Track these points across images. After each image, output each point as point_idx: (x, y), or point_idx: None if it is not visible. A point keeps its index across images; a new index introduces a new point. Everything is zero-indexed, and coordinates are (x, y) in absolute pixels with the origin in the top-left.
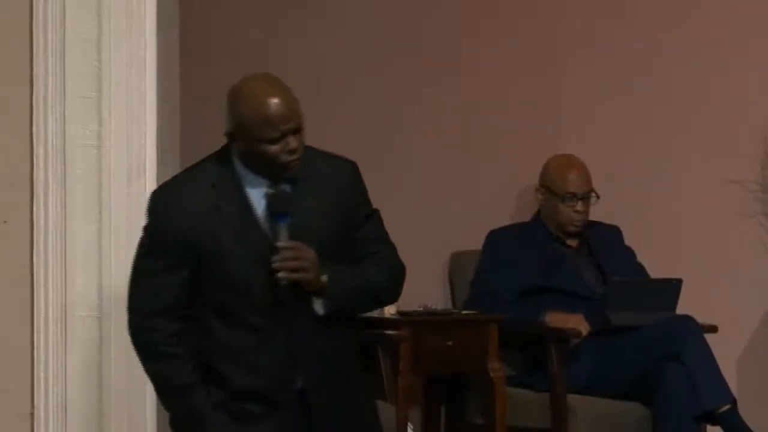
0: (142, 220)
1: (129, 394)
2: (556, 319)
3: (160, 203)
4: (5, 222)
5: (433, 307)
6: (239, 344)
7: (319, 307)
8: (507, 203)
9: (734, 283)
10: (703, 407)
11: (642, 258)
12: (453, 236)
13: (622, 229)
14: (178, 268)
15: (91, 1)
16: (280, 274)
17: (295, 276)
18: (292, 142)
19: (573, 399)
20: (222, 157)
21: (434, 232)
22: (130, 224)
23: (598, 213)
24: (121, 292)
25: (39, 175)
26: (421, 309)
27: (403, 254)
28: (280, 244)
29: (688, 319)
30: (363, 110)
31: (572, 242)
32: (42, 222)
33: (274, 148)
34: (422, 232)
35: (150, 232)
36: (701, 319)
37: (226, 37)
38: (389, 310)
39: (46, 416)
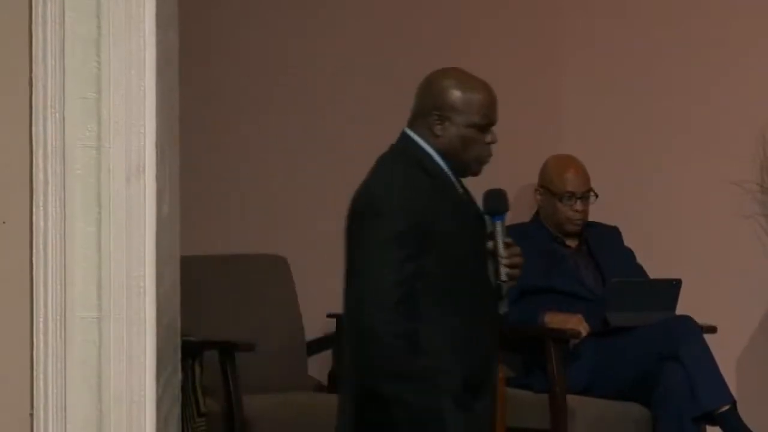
0: (141, 221)
1: (129, 396)
2: (555, 319)
3: (392, 198)
4: (4, 222)
5: None
6: (460, 333)
7: (504, 306)
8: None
9: (733, 283)
10: (703, 408)
11: (641, 258)
12: None
13: (621, 229)
14: (414, 257)
15: (91, 2)
16: (507, 270)
17: (516, 273)
18: (494, 137)
19: (572, 400)
20: (412, 147)
21: None
22: (129, 225)
23: (597, 213)
24: (120, 292)
25: (38, 176)
26: None
27: None
28: (507, 240)
29: (687, 320)
30: (361, 110)
31: (571, 242)
32: (41, 223)
33: (485, 138)
34: None
35: (387, 224)
36: (700, 319)
37: (226, 37)
38: None
39: (45, 417)
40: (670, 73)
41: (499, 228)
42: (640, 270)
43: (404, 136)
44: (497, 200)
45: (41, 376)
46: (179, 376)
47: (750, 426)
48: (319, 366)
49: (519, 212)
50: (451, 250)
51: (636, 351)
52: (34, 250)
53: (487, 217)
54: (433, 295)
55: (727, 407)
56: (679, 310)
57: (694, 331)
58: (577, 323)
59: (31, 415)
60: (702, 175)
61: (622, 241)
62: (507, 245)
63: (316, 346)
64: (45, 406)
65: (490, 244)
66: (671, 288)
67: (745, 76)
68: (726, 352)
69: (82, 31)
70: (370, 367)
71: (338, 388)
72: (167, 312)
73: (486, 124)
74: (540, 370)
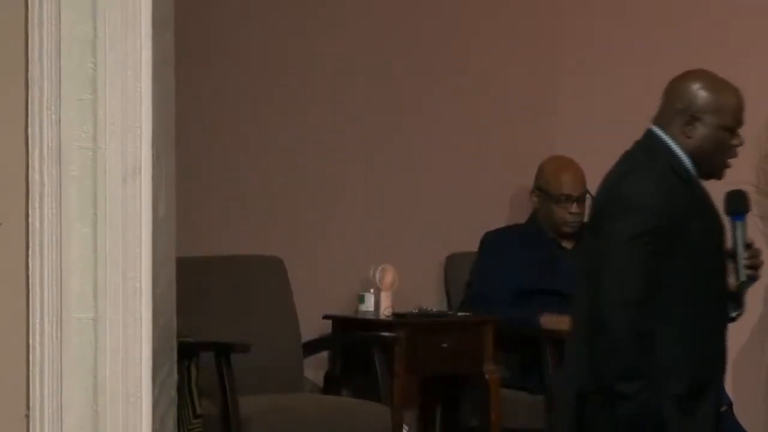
0: (137, 222)
1: (125, 397)
2: (551, 321)
3: (644, 196)
4: (0, 224)
5: (429, 308)
6: (698, 334)
7: (733, 310)
8: (502, 205)
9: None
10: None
11: None
12: (449, 238)
13: None
14: (661, 257)
15: (87, 3)
16: (749, 272)
17: (756, 274)
18: (741, 140)
19: None
20: (663, 147)
21: (430, 234)
22: (125, 226)
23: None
24: (116, 293)
25: (34, 177)
26: (417, 311)
27: (399, 256)
28: (748, 241)
29: None
30: (360, 111)
31: (567, 244)
32: (37, 224)
33: (733, 141)
34: (418, 234)
35: (636, 221)
36: None
37: (224, 38)
38: (385, 312)
39: (41, 418)
40: (666, 74)
41: (740, 228)
42: None
43: (652, 135)
44: (739, 201)
45: (37, 377)
46: (175, 377)
47: (745, 427)
48: (315, 367)
49: (515, 214)
50: (696, 252)
51: None
52: (30, 252)
53: (728, 218)
54: (674, 296)
55: (723, 408)
56: None
57: None
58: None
59: (27, 416)
60: None
61: None
62: (747, 246)
63: (312, 348)
64: (41, 407)
65: (730, 244)
66: None
67: (742, 77)
68: None
69: (78, 33)
70: (604, 362)
71: (555, 385)
72: (163, 313)
73: (736, 126)
74: (536, 371)
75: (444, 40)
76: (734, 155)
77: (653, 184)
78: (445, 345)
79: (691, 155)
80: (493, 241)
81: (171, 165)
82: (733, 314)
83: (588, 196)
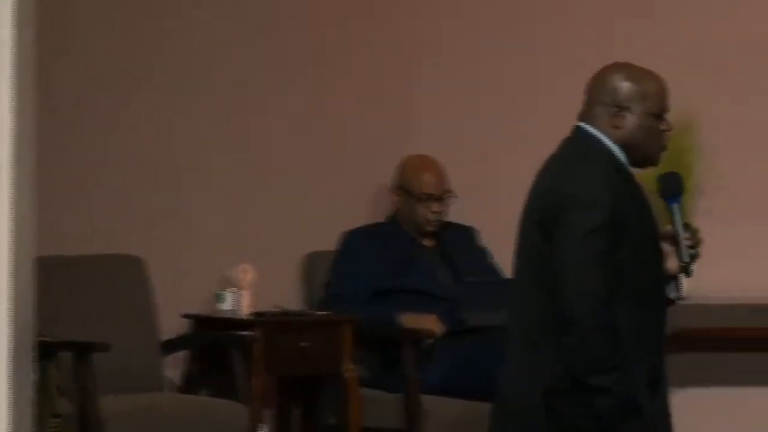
0: None
1: None
2: (410, 320)
3: (593, 192)
4: None
5: (288, 308)
6: (647, 324)
7: (674, 291)
8: (363, 203)
9: None
10: None
11: (501, 258)
12: (309, 237)
13: (478, 229)
14: (613, 251)
15: None
16: (691, 252)
17: (698, 253)
18: (669, 124)
19: (427, 400)
20: (594, 142)
21: (290, 233)
22: None
23: (454, 213)
24: None
25: None
26: (276, 310)
27: (259, 255)
28: (686, 222)
29: None
30: (218, 109)
31: (428, 243)
32: None
33: (661, 126)
34: (278, 233)
35: (591, 217)
36: None
37: (89, 35)
38: (244, 311)
39: None
40: (523, 71)
41: (677, 211)
42: (494, 269)
43: (582, 131)
44: (673, 183)
45: None
46: (33, 376)
47: None
48: (175, 366)
49: (375, 212)
50: (639, 241)
51: (491, 350)
52: None
53: (664, 201)
54: (628, 287)
55: None
56: None
57: None
58: (431, 323)
59: None
60: None
61: (477, 241)
62: (685, 226)
63: (171, 347)
64: None
65: (668, 228)
66: None
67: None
68: None
69: None
70: (576, 358)
71: (500, 389)
72: (22, 312)
73: (662, 111)
74: (395, 370)
75: (301, 38)
76: (665, 140)
77: (599, 179)
78: (303, 344)
79: (623, 146)
80: (352, 239)
81: (32, 163)
82: (673, 296)
83: (450, 195)
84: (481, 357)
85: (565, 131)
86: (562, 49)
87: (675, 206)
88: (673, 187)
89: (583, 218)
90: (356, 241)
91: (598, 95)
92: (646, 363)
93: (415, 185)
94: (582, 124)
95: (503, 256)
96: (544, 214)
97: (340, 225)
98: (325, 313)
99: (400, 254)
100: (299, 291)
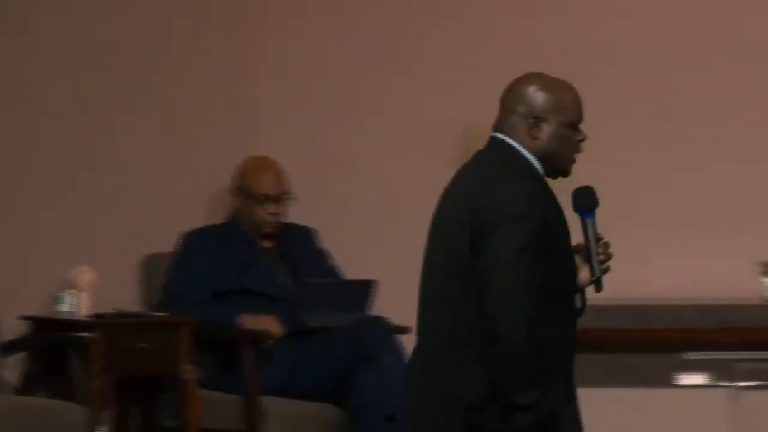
0: None
1: None
2: (249, 321)
3: (521, 204)
4: None
5: (127, 309)
6: (567, 338)
7: (579, 303)
8: (201, 204)
9: None
10: (396, 408)
11: (339, 259)
12: (148, 238)
13: (318, 230)
14: (541, 263)
15: None
16: (603, 266)
17: (608, 268)
18: (584, 135)
19: (267, 401)
20: (514, 156)
21: (129, 234)
22: None
23: (294, 215)
24: None
25: None
26: (114, 311)
27: (98, 256)
28: (599, 235)
29: (380, 321)
30: (54, 109)
31: (267, 244)
32: None
33: (577, 136)
34: (116, 234)
35: (521, 229)
36: (396, 320)
37: None
38: (82, 312)
39: None
40: (366, 72)
41: (591, 225)
42: (334, 271)
43: (500, 142)
44: (588, 197)
45: None
46: None
47: None
48: (14, 368)
49: (214, 213)
50: (558, 252)
51: (330, 352)
52: None
53: (578, 215)
54: (550, 299)
55: None
56: (376, 311)
57: (387, 332)
58: (270, 324)
59: None
60: (397, 176)
61: (317, 242)
62: (598, 240)
63: (9, 348)
64: None
65: (582, 241)
66: (364, 288)
67: (442, 77)
68: None
69: None
70: (502, 374)
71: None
72: None
73: (578, 122)
74: (234, 371)
75: (142, 36)
76: (580, 150)
77: (526, 192)
78: (142, 345)
79: (540, 156)
80: (190, 241)
81: None
82: (579, 307)
83: (289, 196)
84: (320, 358)
85: (408, 131)
86: (400, 50)
87: (589, 220)
88: (587, 202)
89: (515, 232)
90: (195, 242)
91: (514, 106)
92: (564, 374)
93: (254, 186)
94: (498, 135)
95: (342, 257)
96: (473, 225)
97: (179, 226)
98: (163, 314)
99: (239, 255)
100: (138, 292)
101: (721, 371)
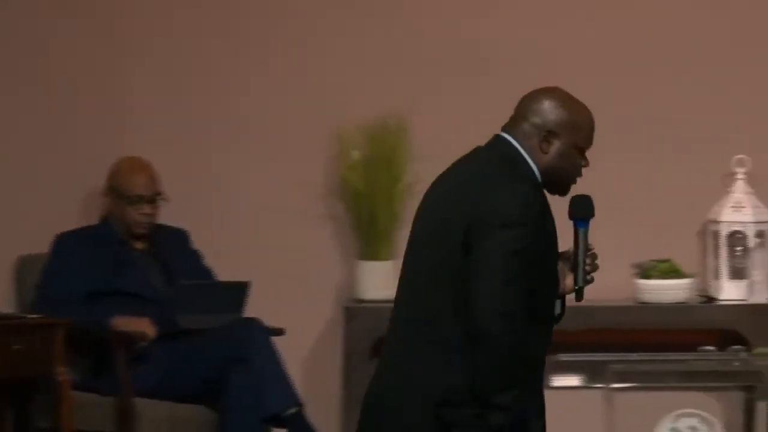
0: None
1: None
2: (122, 322)
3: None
4: None
5: (0, 310)
6: (544, 345)
7: (559, 309)
8: (75, 206)
9: (301, 285)
10: (270, 410)
11: (212, 261)
12: (20, 239)
13: (191, 231)
14: (531, 269)
15: None
16: (588, 277)
17: (592, 279)
18: (587, 161)
19: (140, 403)
20: (519, 161)
21: (0, 235)
22: None
23: (167, 216)
24: None
25: None
26: None
27: None
28: (590, 246)
29: (254, 322)
30: None
31: (140, 245)
32: None
33: (581, 161)
34: None
35: (516, 235)
36: (270, 321)
37: None
38: None
39: None
40: (239, 74)
41: (583, 234)
42: (208, 272)
43: (507, 144)
44: (585, 206)
45: None
46: None
47: (317, 428)
48: None
49: (88, 214)
50: (549, 260)
51: (204, 353)
52: None
53: (573, 223)
54: (537, 304)
55: (294, 409)
56: (250, 313)
57: (261, 334)
58: (144, 326)
59: None
60: (270, 177)
61: (190, 243)
62: (588, 250)
63: None
64: None
65: (573, 249)
66: (238, 290)
67: (316, 78)
68: (294, 354)
69: None
70: (483, 374)
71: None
72: None
73: (587, 147)
74: (108, 373)
75: (16, 34)
76: (580, 174)
77: (528, 197)
78: (16, 347)
79: (543, 170)
80: (63, 242)
81: None
82: (558, 314)
83: (161, 197)
84: (194, 360)
85: (279, 134)
86: (268, 50)
87: (582, 230)
88: (584, 211)
89: (512, 236)
90: (68, 243)
91: (529, 114)
92: (540, 381)
93: (125, 187)
94: (508, 137)
95: (215, 258)
96: (469, 226)
97: (53, 228)
98: (37, 316)
99: (112, 256)
100: (12, 294)
101: (595, 373)
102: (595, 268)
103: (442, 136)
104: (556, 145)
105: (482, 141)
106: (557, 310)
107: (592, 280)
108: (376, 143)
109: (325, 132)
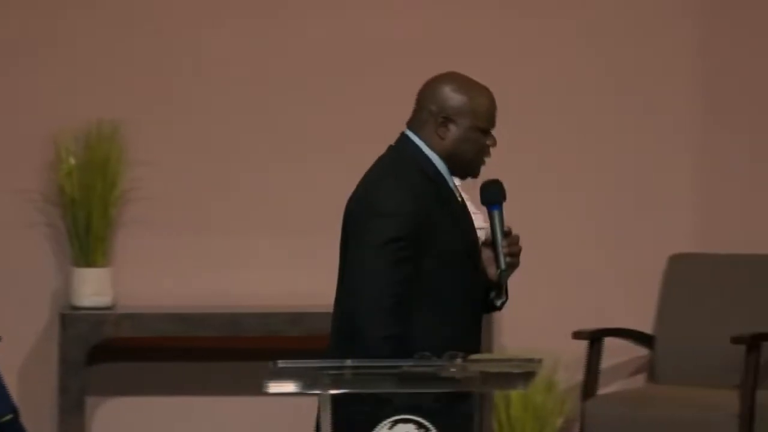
0: None
1: None
2: None
3: (393, 200)
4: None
5: None
6: (447, 334)
7: (502, 296)
8: None
9: (17, 292)
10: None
11: None
12: None
13: None
14: (411, 261)
15: None
16: (509, 260)
17: (516, 261)
18: (494, 140)
19: None
20: (413, 150)
21: None
22: None
23: None
24: None
25: None
26: None
27: None
28: (506, 229)
29: None
30: None
31: None
32: None
33: (486, 141)
34: None
35: (386, 226)
36: None
37: None
38: None
39: None
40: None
41: (497, 218)
42: None
43: (404, 138)
44: (494, 190)
45: None
46: None
47: None
48: None
49: None
50: (446, 250)
51: None
52: None
53: (485, 208)
54: (426, 298)
55: (9, 417)
56: None
57: None
58: None
59: None
60: None
61: None
62: (505, 234)
63: None
64: None
65: (488, 234)
66: None
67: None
68: (9, 361)
69: None
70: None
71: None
72: None
73: (489, 127)
74: None
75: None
76: (488, 154)
77: (404, 189)
78: None
79: (445, 156)
80: None
81: None
82: (498, 303)
83: None
84: None
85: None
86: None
87: (495, 213)
88: (493, 195)
89: (380, 227)
90: None
91: (426, 103)
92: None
93: None
94: (406, 131)
95: None
96: (348, 221)
97: None
98: None
99: None
100: None
101: (311, 379)
102: (515, 250)
103: (159, 142)
104: (452, 130)
105: (199, 145)
106: (501, 297)
107: (516, 263)
108: (91, 149)
109: (40, 138)
